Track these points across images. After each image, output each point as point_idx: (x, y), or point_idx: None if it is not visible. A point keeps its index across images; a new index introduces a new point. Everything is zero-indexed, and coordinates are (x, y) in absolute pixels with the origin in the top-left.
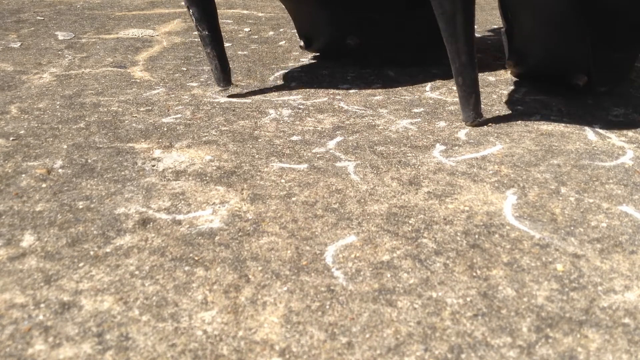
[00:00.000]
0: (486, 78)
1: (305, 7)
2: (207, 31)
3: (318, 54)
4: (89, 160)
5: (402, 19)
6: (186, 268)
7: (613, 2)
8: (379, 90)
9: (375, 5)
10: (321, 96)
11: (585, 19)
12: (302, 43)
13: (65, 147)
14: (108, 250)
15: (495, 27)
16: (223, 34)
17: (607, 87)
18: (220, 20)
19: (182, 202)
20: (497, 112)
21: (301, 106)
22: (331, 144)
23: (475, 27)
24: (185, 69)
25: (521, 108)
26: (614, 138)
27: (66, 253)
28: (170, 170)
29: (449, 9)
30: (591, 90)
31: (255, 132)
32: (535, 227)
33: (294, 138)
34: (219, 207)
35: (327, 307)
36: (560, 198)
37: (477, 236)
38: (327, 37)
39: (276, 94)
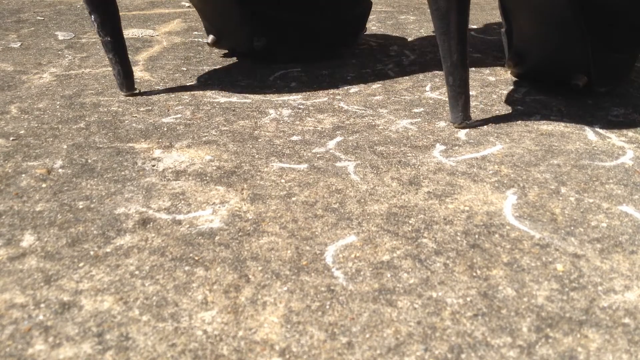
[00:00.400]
0: (486, 78)
1: (212, 4)
2: (109, 37)
3: (227, 51)
4: (89, 160)
5: (308, 18)
6: (186, 268)
7: (612, 2)
8: (379, 90)
9: (281, 5)
10: (321, 96)
11: (584, 20)
12: (209, 40)
13: (65, 147)
14: (108, 250)
15: (496, 27)
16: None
17: (608, 88)
18: None
19: (182, 202)
20: (497, 112)
21: (301, 106)
22: (331, 144)
23: (475, 26)
24: (185, 69)
25: (521, 108)
26: (614, 138)
27: (66, 253)
28: (170, 170)
29: (443, 6)
30: (591, 90)
31: (255, 132)
32: (535, 227)
33: (294, 138)
34: (219, 207)
35: (327, 307)
36: (560, 198)
37: (477, 236)
38: (234, 35)
39: (276, 94)
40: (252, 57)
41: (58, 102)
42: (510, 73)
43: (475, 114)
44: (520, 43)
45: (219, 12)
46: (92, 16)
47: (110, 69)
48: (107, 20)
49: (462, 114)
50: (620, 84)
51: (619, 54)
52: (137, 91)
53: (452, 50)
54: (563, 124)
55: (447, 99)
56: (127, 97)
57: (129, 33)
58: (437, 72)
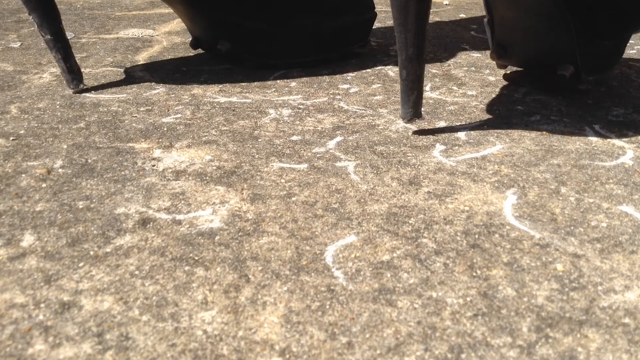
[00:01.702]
0: (486, 78)
1: (182, 8)
2: (50, 35)
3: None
4: (89, 160)
5: (275, 28)
6: (186, 268)
7: None
8: (379, 90)
9: (246, 13)
10: (321, 96)
11: (567, 6)
12: (190, 42)
13: (65, 147)
14: (108, 250)
15: None
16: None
17: (596, 76)
18: None
19: (182, 202)
20: (497, 112)
21: (301, 106)
22: (331, 144)
23: (475, 26)
24: (185, 69)
25: (521, 108)
26: (614, 138)
27: (66, 253)
28: (170, 170)
29: None
30: (579, 79)
31: (255, 132)
32: (535, 227)
33: (294, 138)
34: (219, 207)
35: (327, 307)
36: (560, 198)
37: (477, 236)
38: (204, 38)
39: (276, 94)
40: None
41: (58, 102)
42: (497, 66)
43: (475, 114)
44: (503, 33)
45: (187, 17)
46: (32, 16)
47: (109, 68)
48: (47, 19)
49: (412, 110)
50: (608, 71)
51: (606, 40)
52: (85, 87)
53: (409, 43)
54: (563, 124)
55: (447, 99)
56: (128, 97)
57: (129, 33)
58: (436, 72)
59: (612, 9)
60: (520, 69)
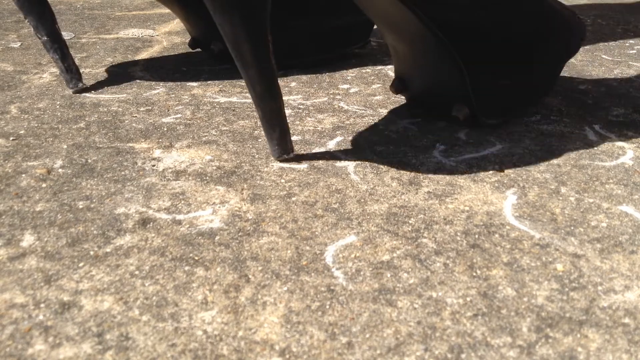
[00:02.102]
0: None
1: (178, 8)
2: (46, 36)
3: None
4: (89, 160)
5: (272, 28)
6: (186, 268)
7: (471, 19)
8: (379, 90)
9: None
10: (321, 96)
11: (449, 41)
12: (189, 42)
13: (65, 147)
14: (108, 250)
15: None
16: None
17: (498, 120)
18: None
19: (182, 202)
20: None
21: (301, 106)
22: (331, 144)
23: None
24: (185, 69)
25: None
26: (614, 138)
27: (66, 253)
28: (170, 170)
29: (231, 36)
30: (476, 123)
31: (255, 132)
32: (535, 227)
33: (294, 138)
34: (219, 207)
35: (327, 307)
36: (560, 198)
37: (477, 236)
38: (201, 38)
39: None
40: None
41: (58, 102)
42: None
43: None
44: (399, 65)
45: (183, 17)
46: (27, 19)
47: (109, 68)
48: (42, 21)
49: (278, 147)
50: (514, 115)
51: (503, 80)
52: (85, 86)
53: (253, 81)
54: (563, 124)
55: None
56: (128, 97)
57: (129, 33)
58: None
59: (498, 42)
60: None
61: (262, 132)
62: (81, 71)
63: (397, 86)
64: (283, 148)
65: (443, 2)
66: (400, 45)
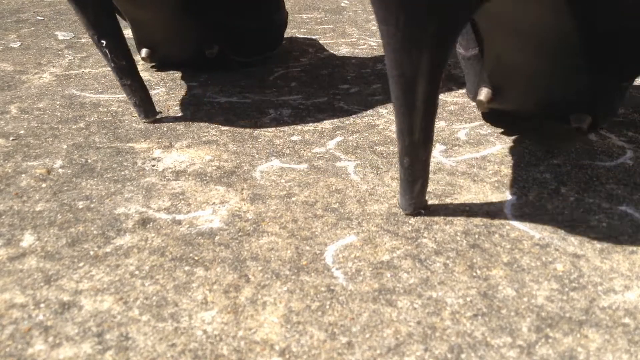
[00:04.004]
0: None
1: (152, 14)
2: (125, 61)
3: (157, 64)
4: (89, 160)
5: (264, 24)
6: (186, 268)
7: (623, 18)
8: (379, 90)
9: (236, 12)
10: (321, 96)
11: (592, 44)
12: (143, 54)
13: (65, 147)
14: (108, 250)
15: None
16: None
17: (606, 123)
18: None
19: (182, 202)
20: None
21: (301, 106)
22: (331, 144)
23: None
24: (185, 69)
25: None
26: (614, 138)
27: (66, 253)
28: (170, 170)
29: (409, 73)
30: (594, 130)
31: (255, 132)
32: (535, 227)
33: (294, 138)
34: (219, 207)
35: (327, 307)
36: (560, 198)
37: (477, 236)
38: (176, 46)
39: (276, 94)
40: (191, 66)
41: (58, 102)
42: (479, 108)
43: (475, 114)
44: (499, 75)
45: (160, 22)
46: (102, 42)
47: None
48: (120, 42)
49: (415, 201)
50: (614, 116)
51: (626, 82)
52: (160, 113)
53: (415, 127)
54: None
55: (447, 99)
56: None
57: (128, 33)
58: None
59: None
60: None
61: (262, 132)
62: (81, 71)
63: (488, 95)
64: (420, 201)
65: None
66: (513, 49)
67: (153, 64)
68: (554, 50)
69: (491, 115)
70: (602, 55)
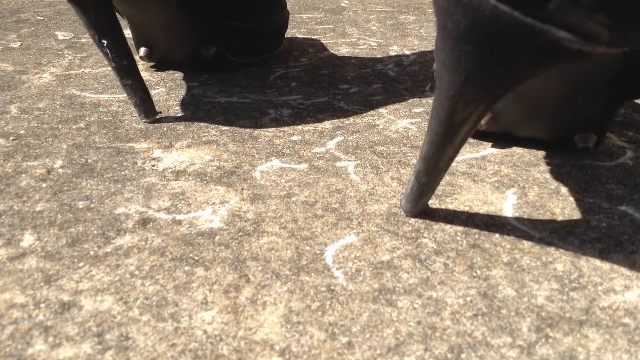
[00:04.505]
0: None
1: (151, 13)
2: (126, 60)
3: (156, 64)
4: (89, 160)
5: (262, 24)
6: (186, 268)
7: None
8: (379, 90)
9: (236, 13)
10: (321, 96)
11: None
12: (141, 53)
13: (65, 147)
14: (108, 250)
15: None
16: None
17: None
18: None
19: (182, 202)
20: None
21: (301, 106)
22: (331, 143)
23: None
24: (185, 69)
25: None
26: (614, 138)
27: (66, 253)
28: (170, 170)
29: (459, 118)
30: (596, 146)
31: (255, 132)
32: (535, 227)
33: (294, 138)
34: (219, 207)
35: (327, 307)
36: (560, 198)
37: (477, 236)
38: (173, 46)
39: (276, 93)
40: (190, 66)
41: (58, 102)
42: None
43: None
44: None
45: (158, 22)
46: (103, 41)
47: (109, 68)
48: (121, 42)
49: (418, 209)
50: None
51: (630, 98)
52: (160, 113)
53: (444, 157)
54: None
55: None
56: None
57: (128, 33)
58: None
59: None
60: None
61: (262, 132)
62: (81, 71)
63: (486, 120)
64: (422, 208)
65: None
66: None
67: (152, 63)
68: (569, 75)
69: (482, 135)
70: (620, 77)
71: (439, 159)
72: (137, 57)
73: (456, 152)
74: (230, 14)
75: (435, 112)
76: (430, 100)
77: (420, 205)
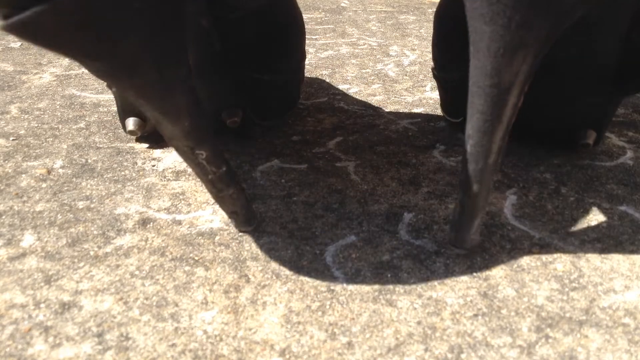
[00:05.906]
0: None
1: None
2: (225, 167)
3: (148, 141)
4: (89, 160)
5: (294, 74)
6: (186, 268)
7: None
8: (379, 90)
9: (271, 63)
10: (321, 96)
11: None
12: (131, 126)
13: (65, 147)
14: (108, 250)
15: None
16: None
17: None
18: None
19: (182, 202)
20: None
21: (301, 106)
22: (331, 144)
23: None
24: None
25: None
26: (614, 138)
27: (66, 253)
28: (170, 170)
29: (507, 81)
30: (596, 144)
31: (255, 132)
32: (535, 227)
33: (294, 138)
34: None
35: (327, 307)
36: (560, 198)
37: None
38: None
39: None
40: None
41: (58, 102)
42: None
43: None
44: None
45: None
46: (199, 151)
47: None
48: (217, 149)
49: (475, 236)
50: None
51: (627, 94)
52: (255, 224)
53: (494, 147)
54: None
55: None
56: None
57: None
58: None
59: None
60: None
61: (262, 132)
62: (81, 71)
63: None
64: (477, 238)
65: None
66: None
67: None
68: (572, 70)
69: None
70: (622, 73)
71: (490, 150)
72: (120, 132)
73: (505, 136)
74: (264, 66)
75: (475, 87)
76: (430, 101)
77: (474, 229)
